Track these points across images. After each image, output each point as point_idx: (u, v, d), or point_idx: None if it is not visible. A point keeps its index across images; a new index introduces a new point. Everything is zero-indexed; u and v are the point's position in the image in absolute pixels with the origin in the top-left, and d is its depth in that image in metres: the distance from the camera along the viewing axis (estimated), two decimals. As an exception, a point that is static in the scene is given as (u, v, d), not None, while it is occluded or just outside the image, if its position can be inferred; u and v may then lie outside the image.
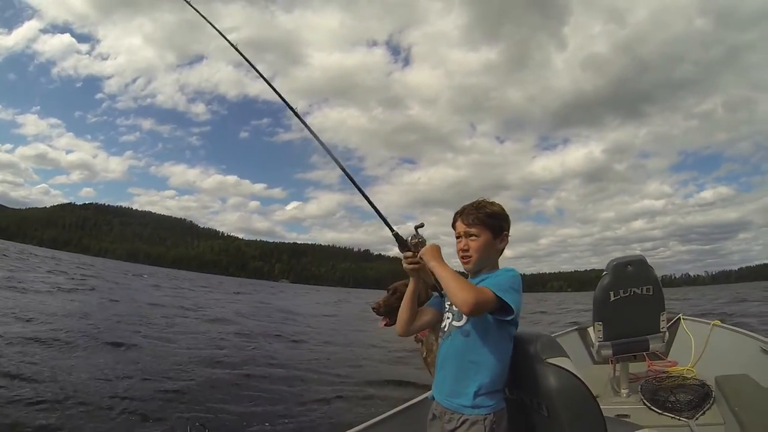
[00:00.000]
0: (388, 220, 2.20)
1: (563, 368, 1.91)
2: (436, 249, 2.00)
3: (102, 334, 9.52)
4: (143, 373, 6.90)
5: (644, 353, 3.93)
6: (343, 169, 2.41)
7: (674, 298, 30.59)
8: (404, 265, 2.07)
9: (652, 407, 3.53)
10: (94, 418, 4.99)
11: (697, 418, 3.25)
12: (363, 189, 2.34)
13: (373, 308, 2.58)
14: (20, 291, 15.36)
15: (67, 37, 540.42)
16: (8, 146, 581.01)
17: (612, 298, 3.89)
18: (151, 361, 7.87)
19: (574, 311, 25.15)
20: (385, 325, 2.55)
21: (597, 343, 3.97)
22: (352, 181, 2.36)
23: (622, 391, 3.95)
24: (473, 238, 2.06)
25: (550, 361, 1.93)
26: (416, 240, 2.06)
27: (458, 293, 1.82)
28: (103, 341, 8.78)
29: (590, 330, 4.46)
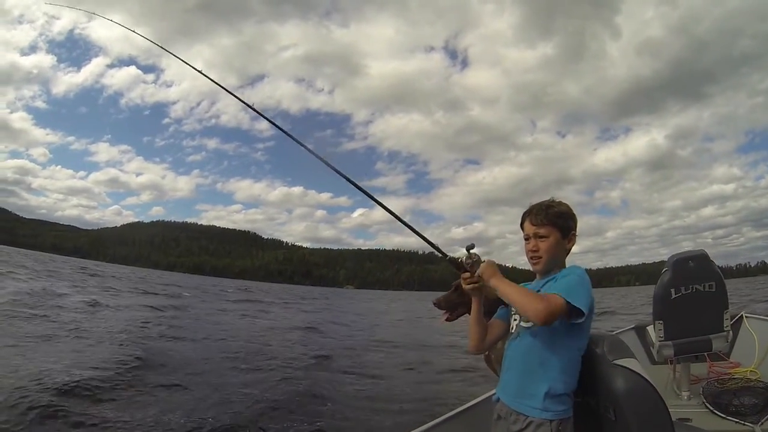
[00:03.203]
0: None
1: (631, 370, 1.85)
2: (493, 266, 1.99)
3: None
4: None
5: (705, 354, 3.74)
6: (382, 205, 2.41)
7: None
8: (464, 286, 2.06)
9: (714, 411, 3.35)
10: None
11: (762, 423, 3.05)
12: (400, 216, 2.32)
13: (434, 303, 2.60)
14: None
15: (132, 70, 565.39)
16: (82, 173, 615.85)
17: (673, 296, 3.70)
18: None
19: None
20: (447, 319, 2.56)
21: (657, 343, 3.80)
22: (394, 214, 2.36)
23: (683, 393, 3.77)
24: (543, 239, 2.06)
25: (618, 362, 1.88)
26: (471, 260, 2.04)
27: (529, 306, 1.82)
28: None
29: (650, 329, 4.28)
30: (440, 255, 2.12)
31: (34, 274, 27.27)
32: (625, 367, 1.85)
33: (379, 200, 2.38)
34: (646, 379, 1.83)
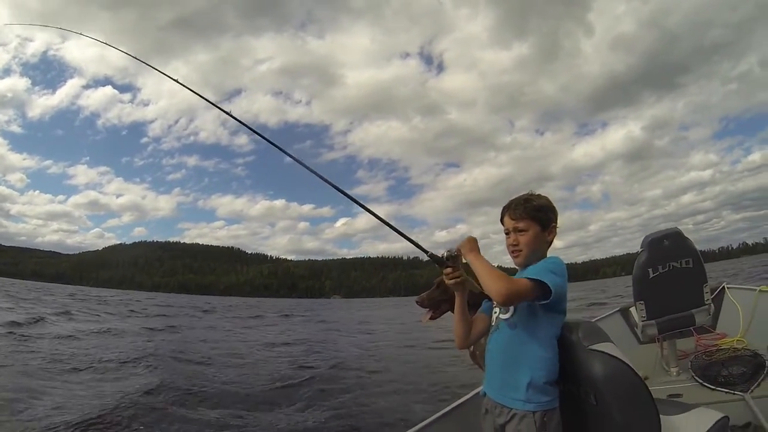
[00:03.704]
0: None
1: (607, 354, 1.87)
2: (473, 241, 2.01)
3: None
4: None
5: (691, 328, 3.76)
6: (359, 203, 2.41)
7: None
8: (447, 281, 2.06)
9: (704, 383, 3.36)
10: None
11: (752, 391, 3.05)
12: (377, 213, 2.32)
13: (417, 302, 2.53)
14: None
15: (108, 90, 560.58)
16: (61, 197, 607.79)
17: (651, 275, 3.74)
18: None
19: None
20: (431, 318, 2.49)
21: (641, 323, 3.82)
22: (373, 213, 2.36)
23: (672, 369, 3.79)
24: (522, 232, 2.04)
25: (594, 347, 1.89)
26: (451, 254, 2.03)
27: (491, 283, 1.83)
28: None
29: (632, 310, 4.31)
30: (424, 253, 2.11)
31: (20, 302, 26.72)
32: (601, 351, 1.87)
33: (362, 203, 2.39)
34: (623, 361, 1.85)
